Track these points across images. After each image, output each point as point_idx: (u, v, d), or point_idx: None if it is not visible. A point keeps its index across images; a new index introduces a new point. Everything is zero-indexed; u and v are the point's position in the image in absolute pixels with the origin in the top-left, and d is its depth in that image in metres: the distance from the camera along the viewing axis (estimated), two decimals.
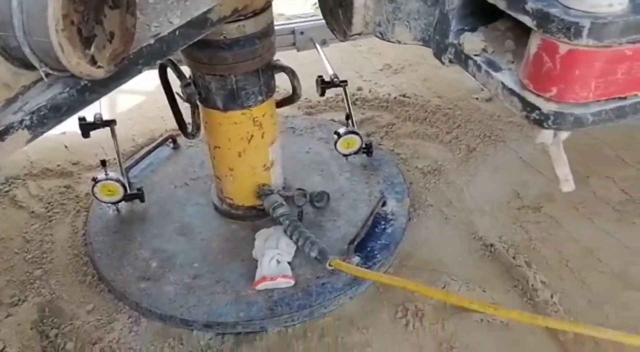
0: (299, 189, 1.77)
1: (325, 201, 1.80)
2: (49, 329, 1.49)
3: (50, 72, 0.85)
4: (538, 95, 0.63)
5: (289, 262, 1.59)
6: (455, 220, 1.81)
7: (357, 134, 1.93)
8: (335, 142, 1.92)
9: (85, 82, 0.93)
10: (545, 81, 0.62)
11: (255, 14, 1.37)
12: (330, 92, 2.32)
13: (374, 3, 0.83)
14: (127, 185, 1.76)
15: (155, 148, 2.05)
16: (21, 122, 0.86)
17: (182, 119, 1.68)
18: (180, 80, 1.51)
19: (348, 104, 1.99)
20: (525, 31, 0.66)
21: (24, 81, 0.88)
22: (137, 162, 1.98)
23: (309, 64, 2.37)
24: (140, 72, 1.04)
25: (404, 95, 2.42)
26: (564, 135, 0.72)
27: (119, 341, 1.45)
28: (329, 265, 1.50)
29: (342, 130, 1.92)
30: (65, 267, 1.67)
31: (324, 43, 2.26)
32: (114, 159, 1.88)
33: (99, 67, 0.87)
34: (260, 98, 1.54)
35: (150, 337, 1.48)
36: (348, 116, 1.95)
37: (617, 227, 1.75)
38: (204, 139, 1.71)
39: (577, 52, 0.58)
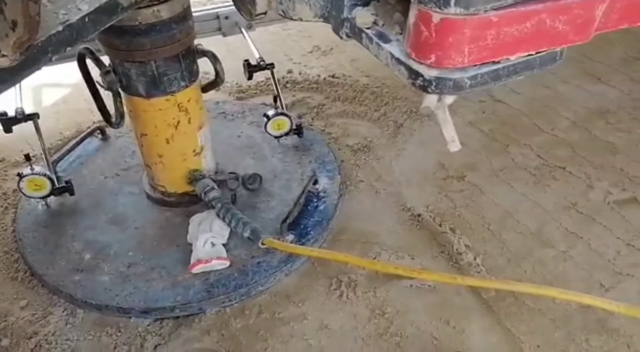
0: (231, 172, 1.79)
1: (258, 182, 1.83)
2: None
3: None
4: (420, 63, 0.69)
5: (223, 244, 1.62)
6: (385, 193, 1.88)
7: (286, 115, 1.96)
8: (265, 125, 1.95)
9: None
10: (424, 49, 0.67)
11: None
12: (261, 76, 2.35)
13: None
14: (54, 178, 1.73)
15: (82, 140, 2.01)
16: None
17: (106, 109, 1.66)
18: (100, 68, 1.50)
19: (276, 86, 2.02)
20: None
21: None
22: (64, 155, 1.94)
23: (239, 49, 2.38)
24: (50, 60, 1.03)
25: (333, 76, 2.47)
26: (448, 99, 0.78)
27: (55, 334, 1.44)
28: (262, 244, 1.53)
29: (271, 112, 1.95)
30: None
31: (250, 27, 2.26)
32: (41, 153, 1.84)
33: (3, 56, 0.86)
34: (183, 83, 1.55)
35: (87, 327, 1.48)
36: (276, 98, 1.97)
37: (534, 190, 1.86)
38: (130, 127, 1.71)
39: (448, 20, 0.63)
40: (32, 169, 1.69)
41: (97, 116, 2.03)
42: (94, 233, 1.70)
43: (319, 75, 2.48)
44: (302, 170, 1.93)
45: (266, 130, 1.96)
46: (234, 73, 2.22)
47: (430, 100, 0.77)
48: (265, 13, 0.93)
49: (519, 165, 1.97)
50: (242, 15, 1.01)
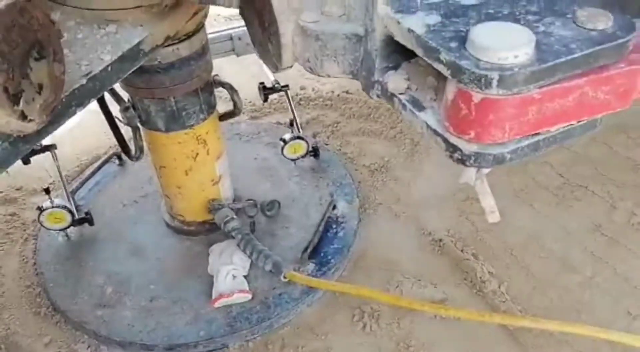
0: (249, 199, 1.78)
1: (276, 209, 1.83)
2: None
3: None
4: (459, 137, 0.68)
5: (244, 276, 1.61)
6: (404, 217, 1.87)
7: (302, 139, 1.95)
8: (282, 149, 1.94)
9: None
10: (463, 125, 0.66)
11: (189, 36, 1.36)
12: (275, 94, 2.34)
13: (301, 40, 0.85)
14: (74, 210, 1.73)
15: (100, 167, 2.02)
16: None
17: (124, 141, 1.66)
18: (119, 104, 1.50)
19: (292, 109, 2.01)
20: None
21: None
22: (82, 184, 1.94)
23: (251, 65, 2.38)
24: (74, 114, 1.03)
25: (347, 92, 2.45)
26: (486, 171, 0.76)
27: None
28: (284, 277, 1.53)
29: (287, 136, 1.94)
30: (18, 300, 1.64)
31: None
32: (59, 181, 1.84)
33: (30, 120, 0.85)
34: (202, 116, 1.54)
35: None
36: (292, 122, 1.96)
37: (556, 211, 1.84)
38: (149, 156, 1.70)
39: (490, 100, 0.62)
40: (52, 202, 1.70)
41: (114, 140, 2.04)
42: (115, 265, 1.71)
43: (332, 92, 2.46)
44: (320, 194, 1.92)
45: (283, 154, 1.95)
46: (247, 91, 2.21)
47: (468, 173, 0.76)
48: (291, 66, 0.92)
49: (540, 185, 1.95)
50: (267, 66, 1.00)
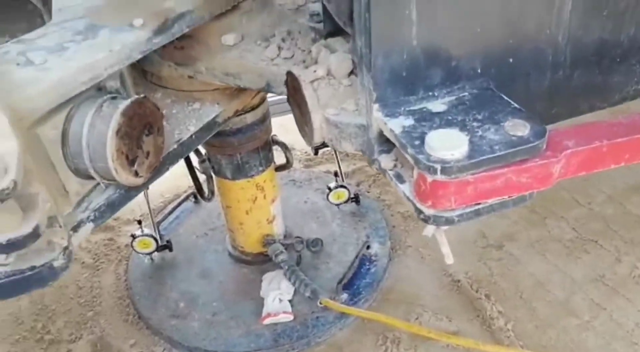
0: (297, 237, 2.10)
1: (319, 246, 2.13)
2: None
3: (106, 182, 1.20)
4: (422, 204, 0.95)
5: (289, 300, 1.92)
6: (429, 259, 2.12)
7: (345, 187, 2.26)
8: (327, 195, 2.26)
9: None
10: (423, 196, 0.94)
11: (253, 108, 1.72)
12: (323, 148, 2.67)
13: (326, 126, 1.16)
14: (158, 239, 2.11)
15: (179, 204, 2.41)
16: (88, 217, 1.20)
17: (200, 186, 2.03)
18: (198, 157, 1.87)
19: (338, 162, 2.32)
20: None
21: (88, 188, 1.23)
22: (165, 217, 2.33)
23: None
24: (167, 170, 1.39)
25: None
26: (443, 227, 1.03)
27: None
28: (320, 303, 1.82)
29: (332, 184, 2.26)
30: (111, 309, 2.01)
31: None
32: (147, 214, 2.23)
33: (140, 177, 1.21)
34: (261, 168, 1.89)
35: None
36: (337, 173, 2.28)
37: (566, 261, 2.03)
38: (217, 197, 2.07)
39: (437, 182, 0.90)
40: (142, 231, 2.08)
41: (191, 182, 2.43)
42: (187, 284, 2.06)
43: None
44: (358, 235, 2.20)
45: (328, 200, 2.27)
46: (302, 143, 2.54)
47: (430, 228, 1.04)
48: (322, 143, 1.24)
49: (554, 237, 2.14)
50: (305, 141, 1.32)
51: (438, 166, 0.88)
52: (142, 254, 2.13)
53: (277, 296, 1.89)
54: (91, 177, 1.19)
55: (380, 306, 1.94)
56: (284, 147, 1.94)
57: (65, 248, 1.11)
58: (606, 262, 2.01)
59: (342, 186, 2.25)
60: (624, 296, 1.87)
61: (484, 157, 0.89)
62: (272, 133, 1.92)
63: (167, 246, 2.14)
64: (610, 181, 2.39)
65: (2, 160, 0.93)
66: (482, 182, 0.91)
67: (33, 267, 1.06)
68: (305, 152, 2.75)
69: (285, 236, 2.13)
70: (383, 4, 0.90)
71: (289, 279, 1.91)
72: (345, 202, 2.29)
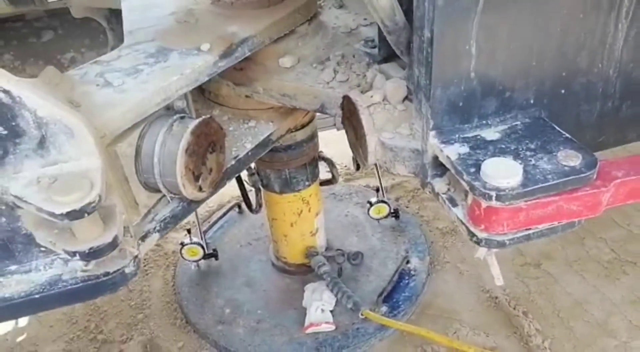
0: (339, 249, 2.15)
1: (360, 259, 2.18)
2: None
3: (172, 194, 1.28)
4: (475, 227, 1.00)
5: (331, 311, 1.96)
6: (467, 275, 2.14)
7: (385, 202, 2.30)
8: (368, 210, 2.30)
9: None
10: (477, 221, 0.98)
11: (303, 126, 1.79)
12: None
13: (380, 149, 1.21)
14: (205, 247, 2.19)
15: (224, 214, 2.49)
16: (154, 228, 1.28)
17: (248, 198, 2.10)
18: (247, 171, 1.94)
19: (379, 177, 2.37)
20: None
21: (154, 200, 1.31)
22: (211, 226, 2.42)
23: None
24: (224, 185, 1.46)
25: None
26: (494, 250, 1.07)
27: None
28: (361, 314, 1.86)
29: (373, 200, 2.30)
30: (160, 312, 2.10)
31: None
32: (194, 222, 2.32)
33: (203, 191, 1.28)
34: (307, 183, 1.95)
35: None
36: (378, 189, 2.33)
37: (604, 282, 2.03)
38: (263, 211, 2.13)
39: (492, 208, 0.94)
40: (190, 239, 2.16)
41: (235, 193, 2.51)
42: (232, 292, 2.13)
43: None
44: (397, 250, 2.24)
45: (368, 214, 2.31)
46: (345, 158, 2.61)
47: (482, 250, 1.08)
48: (375, 164, 1.29)
49: (592, 258, 2.14)
50: (358, 160, 1.38)
51: (493, 193, 0.92)
52: (189, 261, 2.21)
53: (320, 306, 1.94)
54: (158, 191, 1.27)
55: (418, 320, 1.97)
56: (331, 164, 2.00)
57: (135, 256, 1.18)
58: None
59: (382, 201, 2.29)
60: None
61: (538, 186, 0.93)
62: (319, 149, 1.98)
63: (213, 254, 2.22)
64: None
65: (89, 176, 1.01)
66: (534, 209, 0.95)
67: (107, 273, 1.14)
68: (346, 166, 2.80)
69: (326, 248, 2.18)
70: (446, 39, 0.95)
71: (331, 291, 1.96)
72: (386, 217, 2.33)
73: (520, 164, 0.96)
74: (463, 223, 1.03)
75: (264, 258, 2.26)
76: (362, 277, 2.13)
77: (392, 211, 2.33)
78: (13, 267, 1.12)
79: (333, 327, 1.91)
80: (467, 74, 1.01)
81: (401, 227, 2.35)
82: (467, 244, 2.27)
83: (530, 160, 0.98)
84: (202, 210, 2.60)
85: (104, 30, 1.93)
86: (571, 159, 0.96)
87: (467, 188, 0.97)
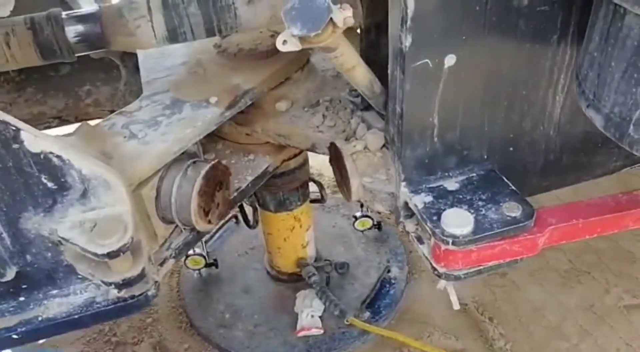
0: (327, 260, 2.37)
1: (346, 269, 2.39)
2: None
3: (185, 226, 1.48)
4: (436, 263, 1.22)
5: (320, 317, 2.19)
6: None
7: (369, 216, 2.52)
8: (353, 223, 2.52)
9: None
10: (437, 259, 1.19)
11: (295, 156, 1.99)
12: None
13: (362, 190, 1.42)
14: (206, 257, 2.40)
15: (223, 225, 2.69)
16: (170, 255, 1.48)
17: (246, 215, 2.31)
18: None
19: None
20: None
21: (169, 231, 1.51)
22: (211, 237, 2.62)
23: None
24: (229, 214, 1.66)
25: None
26: (452, 282, 1.29)
27: None
28: (347, 321, 2.09)
29: (358, 214, 2.52)
30: (167, 317, 2.31)
31: None
32: None
33: (212, 224, 1.49)
34: (299, 203, 2.15)
35: None
36: (362, 204, 2.54)
37: (560, 290, 2.27)
38: (260, 226, 2.34)
39: (449, 250, 1.16)
40: (194, 250, 2.37)
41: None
42: (232, 298, 2.34)
43: None
44: (380, 260, 2.46)
45: (354, 227, 2.53)
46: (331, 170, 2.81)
47: (442, 282, 1.30)
48: (358, 201, 1.50)
49: (551, 268, 2.38)
50: (342, 195, 1.59)
51: (450, 239, 1.14)
52: (192, 269, 2.41)
53: (310, 312, 2.16)
54: (172, 222, 1.48)
55: (397, 324, 2.20)
56: (320, 186, 2.21)
57: (156, 282, 1.39)
58: (596, 292, 2.24)
59: (366, 216, 2.51)
60: (609, 324, 2.10)
61: (485, 234, 1.15)
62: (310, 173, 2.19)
63: (214, 264, 2.43)
64: None
65: (122, 220, 1.21)
66: (484, 251, 1.17)
67: (134, 296, 1.34)
68: (333, 179, 3.01)
69: (316, 259, 2.40)
70: (413, 114, 1.17)
71: (320, 298, 2.18)
72: (369, 229, 2.55)
73: (473, 214, 1.18)
74: (427, 259, 1.25)
75: (259, 266, 2.47)
76: (348, 285, 2.35)
77: (375, 223, 2.54)
78: (55, 292, 1.32)
79: (322, 331, 2.14)
80: (431, 139, 1.22)
81: (383, 238, 2.57)
82: None
83: (481, 210, 1.20)
84: None
85: (118, 66, 2.11)
86: (513, 210, 1.18)
87: (430, 233, 1.19)
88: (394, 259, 2.46)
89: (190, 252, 2.37)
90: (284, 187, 2.06)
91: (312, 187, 2.22)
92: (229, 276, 2.45)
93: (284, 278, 2.38)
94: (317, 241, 2.43)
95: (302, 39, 0.93)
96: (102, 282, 1.24)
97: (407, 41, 1.04)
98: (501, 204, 1.21)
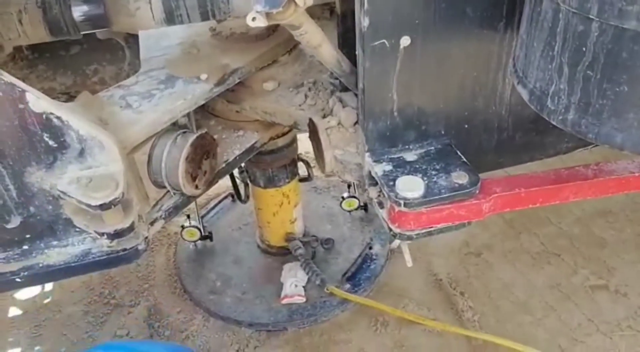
0: (313, 236, 2.50)
1: (331, 244, 2.52)
2: (154, 322, 2.27)
3: (175, 191, 1.62)
4: (392, 224, 1.34)
5: (303, 286, 2.32)
6: (420, 260, 2.49)
7: (356, 197, 2.65)
8: (341, 203, 2.65)
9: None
10: (392, 220, 1.32)
11: (284, 134, 2.13)
12: None
13: (334, 162, 1.56)
14: (202, 230, 2.54)
15: (220, 202, 2.83)
16: (160, 216, 1.62)
17: (239, 191, 2.45)
18: (238, 168, 2.29)
19: None
20: None
21: (161, 194, 1.65)
22: (207, 212, 2.76)
23: None
24: (217, 183, 1.80)
25: None
26: (406, 241, 1.42)
27: (197, 331, 2.22)
28: (327, 290, 2.22)
29: (345, 194, 2.65)
30: (162, 283, 2.45)
31: None
32: (194, 208, 2.65)
33: (199, 189, 1.63)
34: (287, 180, 2.29)
35: (215, 330, 2.24)
36: (350, 185, 2.67)
37: (531, 270, 2.38)
38: (251, 201, 2.48)
39: (402, 212, 1.28)
40: (190, 223, 2.51)
41: (230, 185, 2.85)
42: (223, 268, 2.48)
43: None
44: (363, 237, 2.59)
45: (341, 207, 2.66)
46: None
47: (397, 241, 1.43)
48: (332, 173, 1.63)
49: (524, 250, 2.49)
50: (319, 167, 1.72)
51: (402, 201, 1.27)
52: (188, 241, 2.56)
53: (294, 282, 2.30)
54: (164, 187, 1.61)
55: (375, 296, 2.33)
56: (307, 165, 2.34)
57: (146, 237, 1.53)
58: (564, 273, 2.35)
59: (353, 196, 2.64)
60: (573, 301, 2.21)
61: (434, 198, 1.27)
62: (298, 152, 2.32)
63: (208, 236, 2.56)
64: (583, 204, 2.71)
65: (115, 178, 1.35)
66: (432, 213, 1.30)
67: (125, 249, 1.48)
68: None
69: (304, 234, 2.53)
70: (373, 90, 1.29)
71: (304, 270, 2.32)
72: (356, 209, 2.68)
73: (425, 180, 1.31)
74: (385, 221, 1.38)
75: (251, 241, 2.61)
76: (332, 260, 2.48)
77: (361, 204, 2.67)
78: (55, 242, 1.46)
79: (304, 299, 2.27)
80: (391, 113, 1.35)
81: (368, 219, 2.70)
82: None
83: (433, 178, 1.32)
84: (201, 198, 2.94)
85: (123, 47, 2.25)
86: (461, 178, 1.30)
87: (387, 196, 1.32)
88: (377, 238, 2.58)
89: (187, 224, 2.51)
90: (272, 164, 2.20)
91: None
92: (222, 248, 2.59)
93: (273, 251, 2.51)
94: (306, 219, 2.56)
95: (268, 16, 1.06)
96: (96, 232, 1.38)
97: (365, 22, 1.17)
98: (451, 173, 1.33)
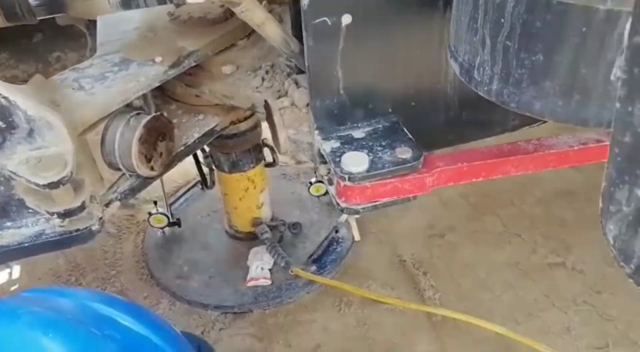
0: (281, 220, 2.52)
1: (299, 229, 2.55)
2: None
3: (130, 173, 1.63)
4: (339, 200, 1.37)
5: (269, 269, 2.34)
6: (385, 242, 2.53)
7: (322, 182, 2.67)
8: (309, 188, 2.68)
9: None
10: (339, 195, 1.34)
11: (246, 119, 2.14)
12: None
13: (288, 142, 1.58)
14: (170, 216, 2.54)
15: (189, 189, 2.84)
16: (116, 197, 1.63)
17: (204, 176, 2.46)
18: (203, 153, 2.30)
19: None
20: None
21: (116, 176, 1.66)
22: (176, 199, 2.77)
23: None
24: (175, 166, 1.81)
25: None
26: (353, 215, 1.44)
27: (163, 315, 2.23)
28: (291, 271, 2.25)
29: (313, 180, 2.67)
30: (130, 269, 2.46)
31: None
32: (162, 196, 2.66)
33: (154, 171, 1.64)
34: (252, 165, 2.30)
35: (182, 313, 2.25)
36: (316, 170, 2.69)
37: (492, 250, 2.43)
38: (218, 187, 2.49)
39: (347, 186, 1.30)
40: (157, 210, 2.52)
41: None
42: (190, 253, 2.49)
43: None
44: (330, 222, 2.61)
45: (309, 192, 2.69)
46: None
47: (344, 215, 1.46)
48: (286, 152, 1.65)
49: (487, 231, 2.54)
50: (275, 150, 1.74)
51: (347, 176, 1.29)
52: (156, 228, 2.56)
53: (260, 265, 2.32)
54: (119, 169, 1.62)
55: (340, 277, 2.36)
56: (272, 150, 2.36)
57: (100, 218, 1.54)
58: (524, 252, 2.40)
59: (320, 181, 2.66)
60: (532, 278, 2.26)
61: (377, 172, 1.30)
62: (263, 137, 2.34)
63: (177, 223, 2.57)
64: (545, 186, 2.76)
65: (64, 158, 1.36)
66: (377, 187, 1.33)
67: (78, 229, 1.49)
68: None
69: (272, 219, 2.55)
70: (318, 67, 1.31)
71: (270, 253, 2.34)
72: (324, 194, 2.70)
73: (370, 156, 1.33)
74: (333, 196, 1.41)
75: (219, 227, 2.62)
76: (300, 244, 2.50)
77: None
78: (9, 224, 1.47)
79: (269, 282, 2.29)
80: (338, 91, 1.37)
81: None
82: (390, 218, 2.66)
83: (378, 154, 1.35)
84: (171, 185, 2.95)
85: (85, 34, 2.24)
86: (404, 153, 1.33)
87: (334, 172, 1.34)
88: (344, 222, 2.61)
89: (154, 211, 2.52)
90: (235, 148, 2.21)
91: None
92: (190, 234, 2.60)
93: (240, 236, 2.53)
94: (274, 204, 2.58)
95: None
96: (47, 212, 1.39)
97: (306, 0, 1.19)
98: (396, 149, 1.36)
